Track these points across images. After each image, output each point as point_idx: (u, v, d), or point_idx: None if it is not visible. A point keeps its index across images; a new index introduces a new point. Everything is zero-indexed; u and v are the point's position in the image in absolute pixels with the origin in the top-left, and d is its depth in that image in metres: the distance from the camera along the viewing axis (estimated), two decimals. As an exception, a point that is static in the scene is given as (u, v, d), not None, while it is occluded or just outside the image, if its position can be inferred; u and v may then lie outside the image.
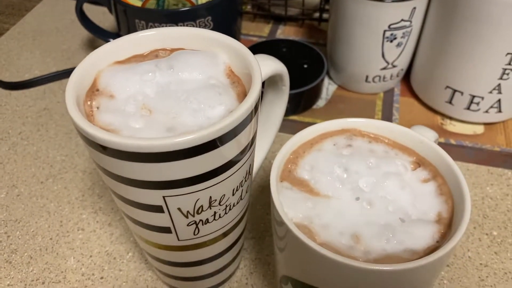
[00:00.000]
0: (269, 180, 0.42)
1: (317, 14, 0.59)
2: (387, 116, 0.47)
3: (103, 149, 0.22)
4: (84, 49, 0.58)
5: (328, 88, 0.51)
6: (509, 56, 0.40)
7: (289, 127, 0.47)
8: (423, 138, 0.29)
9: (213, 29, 0.46)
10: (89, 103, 0.25)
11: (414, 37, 0.45)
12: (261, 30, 0.60)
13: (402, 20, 0.43)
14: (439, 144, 0.44)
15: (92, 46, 0.58)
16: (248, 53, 0.26)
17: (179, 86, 0.25)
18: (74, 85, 0.24)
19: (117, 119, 0.24)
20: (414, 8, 0.42)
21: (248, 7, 0.62)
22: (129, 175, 0.23)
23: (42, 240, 0.38)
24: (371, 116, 0.47)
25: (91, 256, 0.37)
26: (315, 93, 0.48)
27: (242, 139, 0.24)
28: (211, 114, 0.24)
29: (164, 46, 0.28)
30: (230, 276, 0.35)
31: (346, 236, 0.25)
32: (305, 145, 0.30)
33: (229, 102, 0.25)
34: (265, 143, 0.36)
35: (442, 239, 0.25)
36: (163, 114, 0.24)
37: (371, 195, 0.27)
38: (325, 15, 0.58)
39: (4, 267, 0.36)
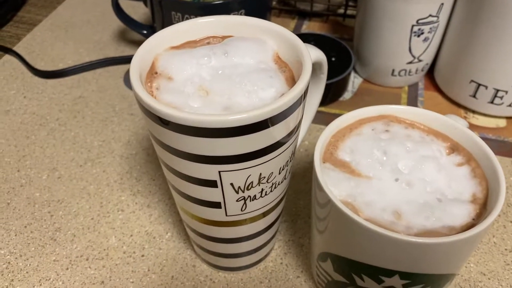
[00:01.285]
0: (301, 166, 0.44)
1: (341, 10, 0.61)
2: (412, 109, 0.49)
3: (166, 124, 0.23)
4: (115, 40, 0.59)
5: (354, 81, 0.53)
6: (534, 51, 0.41)
7: (316, 118, 0.48)
8: (457, 124, 0.31)
9: (245, 22, 0.47)
10: (149, 84, 0.27)
11: (440, 32, 0.47)
12: (287, 25, 0.61)
13: (430, 15, 0.44)
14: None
15: (123, 37, 0.60)
16: (298, 40, 0.27)
17: (233, 70, 0.27)
18: (135, 68, 0.26)
19: (177, 99, 0.25)
20: (442, 4, 0.44)
21: (274, 3, 0.64)
22: (188, 149, 0.24)
23: (84, 219, 0.40)
24: (396, 108, 0.49)
25: (131, 236, 0.38)
26: (342, 86, 0.49)
27: (290, 122, 0.26)
28: (263, 95, 0.26)
29: (215, 34, 0.30)
30: (266, 255, 0.36)
31: (388, 213, 0.27)
32: (345, 129, 0.31)
33: (279, 85, 0.27)
34: (301, 129, 0.37)
35: (478, 217, 0.27)
36: (219, 95, 0.26)
37: (409, 177, 0.28)
38: (349, 11, 0.60)
39: (50, 244, 0.38)
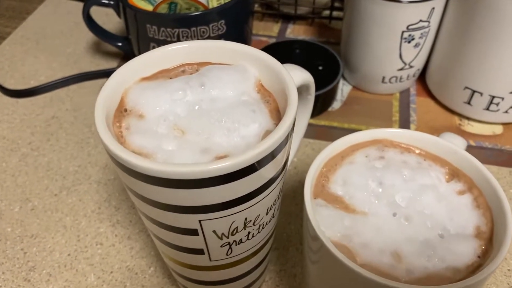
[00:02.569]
0: (291, 185, 0.42)
1: (327, 12, 0.58)
2: (404, 117, 0.46)
3: (139, 175, 0.21)
4: (90, 52, 0.56)
5: (343, 89, 0.50)
6: (531, 56, 0.39)
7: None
8: (456, 147, 0.29)
9: (226, 32, 0.45)
10: (118, 124, 0.24)
11: (432, 37, 0.45)
12: (270, 30, 0.58)
13: (421, 20, 0.42)
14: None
15: (98, 49, 0.56)
16: (280, 67, 0.25)
17: (211, 105, 0.24)
18: (102, 107, 0.23)
19: (149, 141, 0.23)
20: (433, 8, 0.41)
21: (256, 6, 0.61)
22: (165, 200, 0.22)
23: (60, 256, 0.37)
24: (388, 117, 0.47)
25: (111, 272, 0.36)
26: (331, 96, 0.47)
27: (278, 161, 0.23)
28: (246, 132, 0.23)
29: (191, 60, 0.27)
30: (257, 290, 0.34)
31: (387, 254, 0.24)
32: (336, 158, 0.29)
33: (263, 119, 0.24)
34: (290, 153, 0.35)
35: (483, 255, 0.25)
36: (196, 135, 0.23)
37: (408, 210, 0.26)
38: (335, 13, 0.57)
39: (23, 286, 0.35)
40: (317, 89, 0.45)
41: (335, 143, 0.29)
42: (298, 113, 0.34)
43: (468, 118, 0.46)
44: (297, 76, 0.28)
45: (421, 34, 0.43)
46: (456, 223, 0.26)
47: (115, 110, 0.24)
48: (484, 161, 0.42)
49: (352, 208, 0.26)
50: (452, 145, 0.29)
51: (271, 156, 0.22)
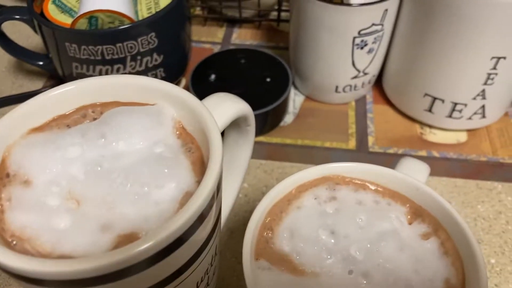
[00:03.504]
0: (241, 217, 0.37)
1: (275, 13, 0.53)
2: (361, 129, 0.43)
3: (16, 277, 0.16)
4: (11, 72, 0.50)
5: (295, 100, 0.46)
6: (494, 60, 0.36)
7: (255, 150, 0.41)
8: (417, 183, 0.25)
9: (159, 45, 0.40)
10: (-4, 195, 0.19)
11: (386, 41, 0.41)
12: (214, 35, 0.53)
13: (373, 24, 0.38)
14: (422, 158, 0.40)
15: (21, 68, 0.50)
16: (201, 109, 0.20)
17: (114, 163, 0.19)
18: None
19: (35, 218, 0.18)
20: (386, 10, 0.37)
21: (198, 10, 0.55)
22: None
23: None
24: (344, 130, 0.43)
25: None
26: (282, 110, 0.43)
27: (202, 231, 0.19)
28: (159, 197, 0.19)
29: (94, 101, 0.22)
30: None
31: (343, 328, 0.20)
32: (282, 202, 0.25)
33: (182, 176, 0.19)
34: (231, 190, 0.30)
35: (456, 315, 0.21)
36: (95, 205, 0.18)
37: (366, 265, 0.22)
38: (284, 14, 0.53)
39: None
40: (266, 103, 0.41)
41: (280, 185, 0.25)
42: (236, 145, 0.30)
43: (430, 126, 0.43)
44: (229, 108, 0.24)
45: (375, 38, 0.39)
46: (422, 277, 0.22)
47: (-7, 176, 0.19)
48: (449, 174, 0.39)
49: (301, 269, 0.22)
50: (413, 180, 0.25)
51: (191, 230, 0.17)
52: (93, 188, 0.19)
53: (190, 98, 0.21)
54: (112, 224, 0.18)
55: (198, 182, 0.19)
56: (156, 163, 0.19)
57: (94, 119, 0.21)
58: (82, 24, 0.38)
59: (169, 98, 0.21)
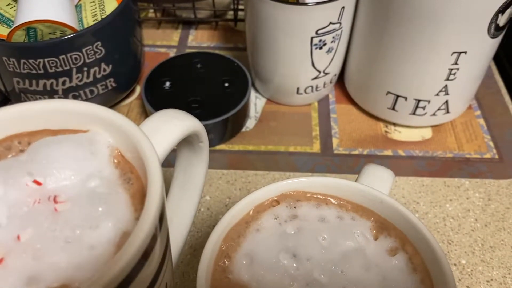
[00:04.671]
0: (204, 233, 0.35)
1: (231, 13, 0.51)
2: (325, 131, 0.41)
3: None
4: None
5: (257, 103, 0.44)
6: (455, 55, 0.35)
7: (216, 160, 0.39)
8: (381, 195, 0.23)
9: (106, 54, 0.37)
10: None
11: (345, 39, 0.39)
12: (170, 38, 0.51)
13: (331, 23, 0.36)
14: (388, 158, 0.39)
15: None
16: (138, 135, 0.18)
17: (44, 203, 0.17)
18: None
19: None
20: (343, 7, 0.36)
21: (151, 12, 0.53)
22: None
23: None
24: (308, 133, 0.41)
25: None
26: (242, 115, 0.41)
27: (150, 266, 0.17)
28: (94, 239, 0.17)
29: (21, 130, 0.20)
30: None
31: None
32: (240, 225, 0.23)
33: (120, 212, 0.17)
34: (187, 211, 0.28)
35: (427, 339, 0.20)
36: (19, 255, 0.16)
37: (330, 290, 0.21)
38: (241, 13, 0.51)
39: None
40: (226, 109, 0.39)
41: (236, 207, 0.23)
42: (190, 162, 0.28)
43: (395, 124, 0.42)
44: (175, 129, 0.22)
45: (333, 38, 0.37)
46: (390, 297, 0.21)
47: None
48: (416, 173, 0.38)
49: (261, 300, 0.20)
50: (376, 193, 0.23)
51: (134, 271, 0.15)
52: (16, 234, 0.16)
53: (125, 123, 0.19)
54: (40, 276, 0.16)
55: (138, 218, 0.17)
56: (89, 200, 0.17)
57: (21, 151, 0.19)
58: (20, 36, 0.35)
59: (103, 123, 0.19)
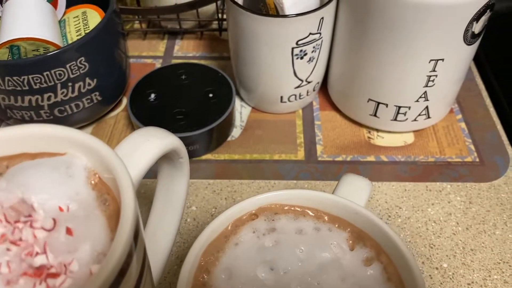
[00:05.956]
0: (191, 243, 0.36)
1: (216, 22, 0.52)
2: (309, 138, 0.42)
3: None
4: None
5: (242, 112, 0.45)
6: (432, 62, 0.35)
7: (202, 170, 0.40)
8: (356, 207, 0.24)
9: (90, 69, 0.38)
10: None
11: (326, 48, 0.40)
12: (155, 49, 0.52)
13: (311, 33, 0.37)
14: (370, 163, 0.40)
15: None
16: (110, 156, 0.19)
17: (21, 231, 0.18)
18: None
19: None
20: (322, 18, 0.36)
21: (136, 23, 0.53)
22: None
23: None
24: (293, 140, 0.42)
25: None
26: (228, 125, 0.41)
27: (126, 285, 0.17)
28: (70, 265, 0.17)
29: (0, 154, 0.20)
30: None
31: None
32: (219, 240, 0.24)
33: (96, 234, 0.18)
34: (171, 224, 0.29)
35: None
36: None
37: (304, 301, 0.21)
38: (225, 23, 0.51)
39: None
40: (211, 119, 0.39)
41: (215, 222, 0.24)
42: (171, 178, 0.28)
43: (377, 130, 0.42)
44: (152, 149, 0.22)
45: (314, 47, 0.38)
46: (365, 307, 0.21)
47: None
48: (399, 178, 0.39)
49: (238, 314, 0.21)
50: (351, 204, 0.24)
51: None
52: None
53: (99, 145, 0.19)
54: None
55: (113, 239, 0.18)
56: (67, 223, 0.18)
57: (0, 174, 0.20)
58: (3, 54, 0.35)
59: (79, 146, 0.20)
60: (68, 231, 0.17)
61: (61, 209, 0.18)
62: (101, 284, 0.16)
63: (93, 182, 0.20)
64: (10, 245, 0.17)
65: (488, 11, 0.34)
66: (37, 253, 0.17)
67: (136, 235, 0.18)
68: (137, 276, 0.19)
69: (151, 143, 0.22)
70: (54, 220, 0.18)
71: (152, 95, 0.41)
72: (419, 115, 0.40)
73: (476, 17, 0.33)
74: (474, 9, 0.33)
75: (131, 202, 0.17)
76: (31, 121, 0.39)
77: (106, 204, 0.19)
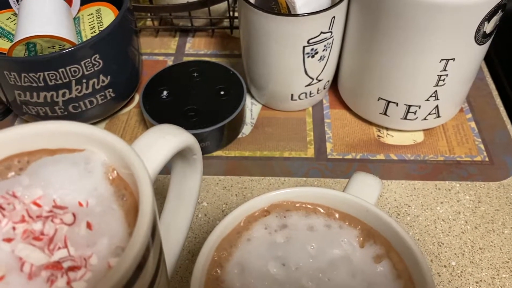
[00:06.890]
0: (202, 239, 0.37)
1: (227, 20, 0.52)
2: (319, 136, 0.42)
3: None
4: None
5: (252, 109, 0.45)
6: (443, 62, 0.35)
7: (213, 166, 0.40)
8: (367, 204, 0.24)
9: (105, 66, 0.38)
10: None
11: (337, 47, 0.40)
12: (167, 46, 0.52)
13: (322, 32, 0.37)
14: (380, 162, 0.40)
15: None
16: (128, 152, 0.19)
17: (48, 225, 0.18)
18: None
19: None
20: (333, 17, 0.37)
21: (148, 21, 0.54)
22: None
23: None
24: (303, 138, 0.42)
25: None
26: (238, 122, 0.42)
27: (144, 278, 0.18)
28: (90, 258, 0.18)
29: (21, 150, 0.21)
30: None
31: None
32: (231, 235, 0.24)
33: (114, 228, 0.18)
34: (183, 219, 0.29)
35: None
36: (19, 274, 0.17)
37: (317, 296, 0.22)
38: (236, 21, 0.52)
39: None
40: (222, 117, 0.40)
41: (228, 217, 0.24)
42: (184, 174, 0.29)
43: (387, 129, 0.43)
44: (167, 145, 0.23)
45: (324, 46, 0.38)
46: (375, 303, 0.22)
47: None
48: (408, 176, 0.39)
49: (250, 308, 0.21)
50: (362, 202, 0.24)
51: (127, 286, 0.17)
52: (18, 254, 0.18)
53: (117, 142, 0.20)
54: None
55: (131, 234, 0.18)
56: (86, 218, 0.18)
57: (20, 169, 0.20)
58: (20, 51, 0.36)
59: (98, 142, 0.20)
60: (88, 226, 0.18)
61: (80, 204, 0.19)
62: (120, 278, 0.16)
63: (111, 177, 0.20)
64: (33, 240, 0.18)
65: (500, 11, 0.34)
66: (58, 247, 0.17)
67: (154, 229, 0.18)
68: (153, 270, 0.19)
69: (167, 140, 0.23)
70: (74, 215, 0.19)
71: (165, 92, 0.42)
72: (429, 114, 0.40)
73: (488, 17, 0.33)
74: (486, 9, 0.33)
75: (149, 197, 0.18)
76: (45, 116, 0.39)
77: (123, 199, 0.20)
